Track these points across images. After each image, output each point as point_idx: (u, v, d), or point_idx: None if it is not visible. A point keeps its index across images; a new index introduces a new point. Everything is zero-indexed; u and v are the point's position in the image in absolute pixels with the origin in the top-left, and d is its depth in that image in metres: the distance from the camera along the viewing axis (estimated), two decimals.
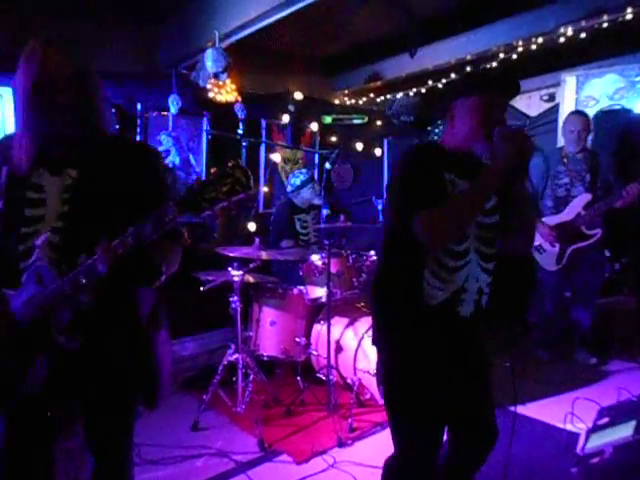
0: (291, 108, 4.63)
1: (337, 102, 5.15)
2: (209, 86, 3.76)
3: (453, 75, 4.51)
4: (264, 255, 3.05)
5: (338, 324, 3.26)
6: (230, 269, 2.98)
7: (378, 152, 5.31)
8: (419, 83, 4.77)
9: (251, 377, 3.05)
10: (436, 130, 5.65)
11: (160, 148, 3.91)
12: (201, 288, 3.01)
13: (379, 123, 5.31)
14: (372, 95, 5.11)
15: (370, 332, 3.02)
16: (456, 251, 1.52)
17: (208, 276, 3.05)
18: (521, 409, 3.12)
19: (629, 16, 3.34)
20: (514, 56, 4.12)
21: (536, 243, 3.51)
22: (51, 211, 1.34)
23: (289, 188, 3.95)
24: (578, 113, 3.64)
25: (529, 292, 3.77)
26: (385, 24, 3.76)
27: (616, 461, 2.29)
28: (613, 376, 3.60)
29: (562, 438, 2.77)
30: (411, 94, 4.91)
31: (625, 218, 3.55)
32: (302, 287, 3.36)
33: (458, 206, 1.46)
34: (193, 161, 4.13)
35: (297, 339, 3.28)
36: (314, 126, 4.83)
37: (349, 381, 3.08)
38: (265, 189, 4.62)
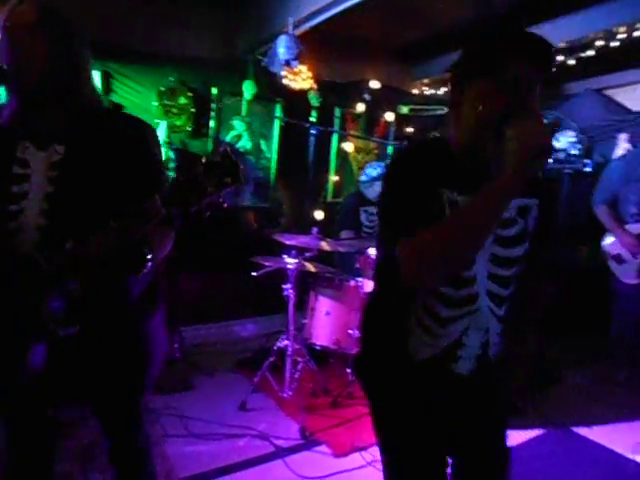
0: (366, 97, 4.54)
1: (415, 92, 4.98)
2: (284, 73, 3.78)
3: None
4: (320, 244, 3.03)
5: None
6: (285, 256, 3.00)
7: None
8: None
9: (300, 364, 3.07)
10: None
11: (232, 132, 4.01)
12: (253, 273, 3.06)
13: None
14: None
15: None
16: (454, 297, 1.16)
17: (264, 261, 3.09)
18: (586, 432, 2.89)
19: None
20: (614, 44, 3.74)
21: (615, 252, 3.18)
22: (36, 189, 1.25)
23: (363, 177, 3.86)
24: None
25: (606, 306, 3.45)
26: (468, 9, 3.54)
27: None
28: None
29: (628, 470, 2.52)
30: None
31: None
32: (359, 279, 3.31)
33: (452, 231, 1.03)
34: (264, 147, 4.19)
35: (350, 331, 3.24)
36: (389, 116, 4.72)
37: None
38: (335, 178, 4.59)
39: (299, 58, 3.34)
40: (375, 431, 1.37)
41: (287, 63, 3.37)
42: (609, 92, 4.87)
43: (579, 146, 4.88)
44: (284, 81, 3.90)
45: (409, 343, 1.20)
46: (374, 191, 3.83)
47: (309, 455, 2.59)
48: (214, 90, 3.86)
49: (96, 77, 3.39)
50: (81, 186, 1.26)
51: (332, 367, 3.56)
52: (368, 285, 3.32)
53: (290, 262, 2.97)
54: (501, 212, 1.04)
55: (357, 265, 3.39)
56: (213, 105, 3.86)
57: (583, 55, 4.00)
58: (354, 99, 4.54)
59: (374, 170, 3.79)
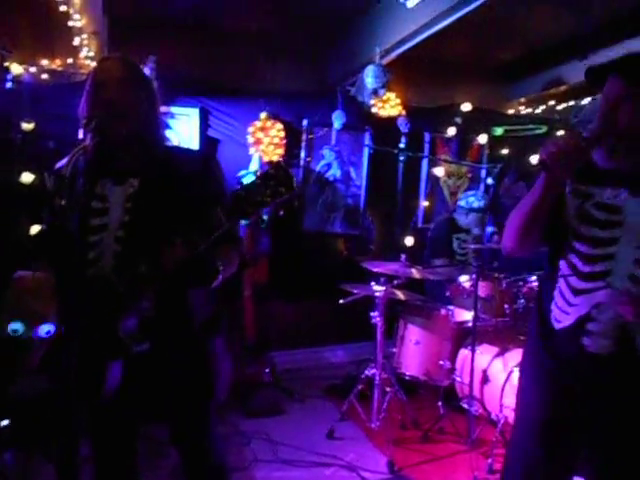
0: (458, 120, 4.44)
1: (511, 112, 4.78)
2: (372, 102, 3.83)
3: None
4: (409, 272, 2.97)
5: (486, 352, 3.01)
6: (373, 284, 2.97)
7: None
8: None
9: (389, 394, 3.00)
10: None
11: (322, 162, 4.10)
12: (340, 301, 3.06)
13: (561, 133, 4.77)
14: (552, 102, 4.62)
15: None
16: (582, 270, 1.33)
17: (353, 288, 3.09)
18: None
19: None
20: None
21: None
22: (114, 220, 1.38)
23: (462, 203, 3.72)
24: None
25: None
26: (563, 23, 3.37)
27: None
28: None
29: None
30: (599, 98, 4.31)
31: None
32: (449, 307, 3.19)
33: (518, 208, 1.38)
34: (354, 174, 4.24)
35: (441, 362, 3.12)
36: (482, 138, 4.56)
37: (494, 417, 2.82)
38: (425, 203, 4.51)
39: (386, 86, 3.36)
40: None
41: (375, 92, 3.41)
42: None
43: None
44: (373, 109, 3.94)
45: (552, 310, 1.39)
46: (467, 220, 3.70)
47: None
48: (305, 121, 3.99)
49: (195, 114, 3.66)
50: (153, 214, 1.38)
51: (422, 399, 3.43)
52: (459, 314, 3.18)
53: (378, 289, 2.93)
54: (537, 201, 1.32)
55: (447, 293, 3.27)
56: (304, 136, 3.99)
57: None
58: (444, 123, 4.46)
59: (477, 201, 3.63)
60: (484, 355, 3.00)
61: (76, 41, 2.90)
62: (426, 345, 3.19)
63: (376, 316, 2.98)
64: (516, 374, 2.72)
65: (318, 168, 4.11)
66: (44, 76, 3.18)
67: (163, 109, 3.54)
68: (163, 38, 3.41)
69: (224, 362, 1.62)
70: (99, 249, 1.37)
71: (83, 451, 2.37)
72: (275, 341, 3.81)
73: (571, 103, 4.57)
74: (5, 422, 1.79)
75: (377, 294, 2.94)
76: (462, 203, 3.71)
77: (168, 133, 3.63)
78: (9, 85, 3.07)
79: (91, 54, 3.03)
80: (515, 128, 4.66)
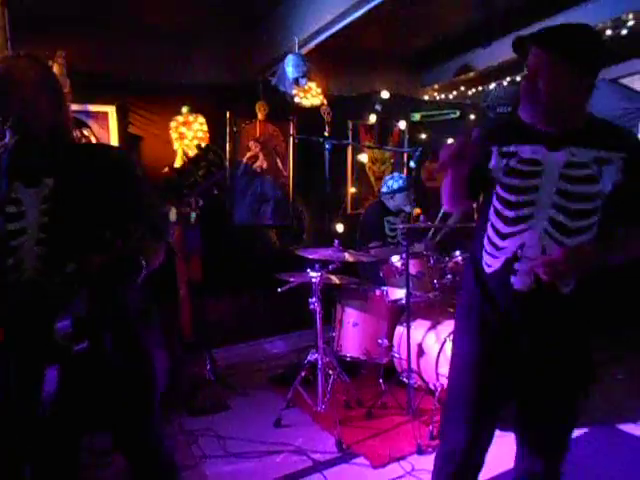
0: (378, 107, 4.58)
1: (426, 98, 5.00)
2: (295, 91, 3.85)
3: None
4: (343, 256, 3.05)
5: (420, 327, 3.17)
6: (309, 270, 3.03)
7: None
8: (515, 71, 4.47)
9: (332, 377, 3.07)
10: None
11: (248, 154, 4.08)
12: (278, 289, 3.09)
13: (473, 117, 5.06)
14: (463, 88, 4.88)
15: (452, 336, 2.90)
16: (507, 215, 1.49)
17: (289, 277, 3.12)
18: (632, 429, 2.81)
19: None
20: (624, 31, 3.70)
21: None
22: (32, 223, 1.35)
23: (384, 189, 3.88)
24: None
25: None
26: (471, 12, 3.56)
27: None
28: None
29: None
30: (505, 83, 4.61)
31: None
32: (383, 288, 3.32)
33: (444, 180, 1.59)
34: (280, 165, 4.25)
35: (379, 341, 3.24)
36: (402, 124, 4.74)
37: (431, 386, 2.98)
38: (353, 190, 4.62)
39: (307, 75, 3.40)
40: None
41: (296, 81, 3.43)
42: (625, 81, 4.81)
43: None
44: (295, 99, 3.97)
45: (483, 257, 1.54)
46: (395, 202, 3.85)
47: (347, 468, 2.59)
48: (227, 114, 3.94)
49: (112, 111, 3.52)
50: (71, 213, 1.36)
51: (364, 378, 3.55)
52: (393, 293, 3.32)
53: (314, 275, 2.99)
54: (453, 180, 1.54)
55: (381, 274, 3.40)
56: (227, 129, 3.95)
57: None
58: (366, 111, 4.58)
59: (395, 182, 3.80)
60: (418, 330, 3.15)
61: None
62: (364, 326, 3.30)
63: (314, 302, 3.03)
64: (448, 344, 2.89)
65: (245, 160, 4.08)
66: None
67: (78, 107, 3.40)
68: (76, 33, 3.23)
69: (159, 358, 1.61)
70: (19, 254, 1.33)
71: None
72: (214, 337, 3.77)
73: (480, 88, 4.85)
74: None
75: (313, 280, 2.99)
76: (384, 189, 3.87)
77: (85, 131, 3.47)
78: None
79: None
80: (431, 113, 4.90)
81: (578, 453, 2.55)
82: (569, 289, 1.43)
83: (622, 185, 1.41)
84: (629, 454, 2.62)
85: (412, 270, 3.04)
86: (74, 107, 3.38)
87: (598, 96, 4.80)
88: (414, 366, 3.03)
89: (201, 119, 3.67)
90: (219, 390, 3.43)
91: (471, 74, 4.51)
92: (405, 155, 4.77)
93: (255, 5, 3.47)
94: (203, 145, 1.29)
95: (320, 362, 3.00)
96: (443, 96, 5.00)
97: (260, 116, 4.00)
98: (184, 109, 3.64)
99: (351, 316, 3.34)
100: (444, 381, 2.87)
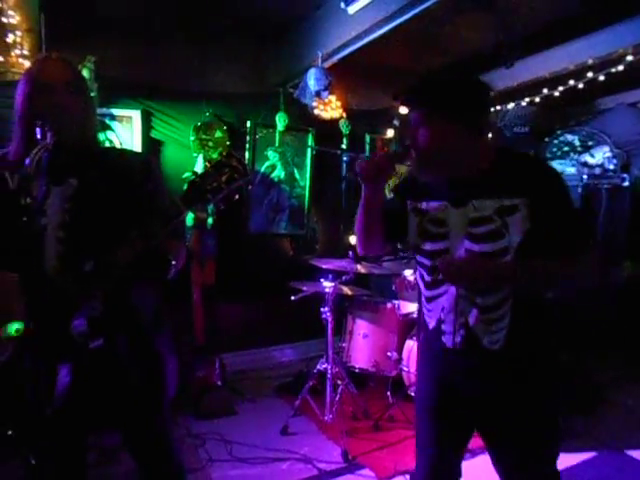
0: (396, 122, 4.64)
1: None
2: (315, 104, 3.92)
3: (572, 82, 4.20)
4: (357, 268, 3.09)
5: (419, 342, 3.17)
6: (322, 280, 3.06)
7: None
8: (533, 92, 4.51)
9: (340, 388, 3.09)
10: (555, 141, 5.29)
11: (266, 163, 4.15)
12: (292, 297, 3.12)
13: (489, 135, 5.08)
14: None
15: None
16: (427, 280, 1.49)
17: (302, 286, 3.16)
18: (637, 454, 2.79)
19: None
20: None
21: None
22: (53, 221, 1.37)
23: None
24: None
25: None
26: (490, 33, 3.61)
27: None
28: None
29: None
30: (523, 104, 4.65)
31: None
32: (395, 301, 3.34)
33: (356, 217, 1.61)
34: (297, 175, 4.31)
35: (389, 354, 3.26)
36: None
37: None
38: None
39: (329, 89, 3.46)
40: None
41: (317, 94, 3.49)
42: None
43: (615, 161, 4.83)
44: (315, 111, 4.03)
45: (424, 314, 1.54)
46: None
47: (352, 478, 2.60)
48: (248, 123, 4.02)
49: (137, 116, 3.60)
50: (94, 213, 1.39)
51: (372, 390, 3.56)
52: (404, 306, 3.34)
53: (327, 285, 3.02)
54: (365, 208, 1.57)
55: (393, 287, 3.42)
56: (248, 137, 4.02)
57: (613, 70, 3.99)
58: (384, 125, 4.64)
59: None
60: None
61: (9, 38, 2.78)
62: (374, 338, 3.32)
63: (326, 311, 3.06)
64: None
65: (262, 169, 4.15)
66: None
67: (104, 111, 3.48)
68: (103, 38, 3.33)
69: (170, 360, 1.63)
70: (41, 251, 1.36)
71: (17, 471, 2.32)
72: (224, 342, 3.80)
73: (497, 108, 4.88)
74: None
75: (327, 290, 3.02)
76: None
77: (110, 135, 3.56)
78: None
79: (25, 52, 2.91)
80: None
81: (585, 477, 2.55)
82: (497, 346, 1.40)
83: (533, 231, 1.32)
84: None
85: None
86: (99, 110, 3.46)
87: (615, 120, 4.83)
88: None
89: (222, 126, 3.74)
90: (227, 395, 3.45)
91: (490, 93, 4.54)
92: None
93: (280, 18, 3.55)
94: (225, 152, 1.32)
95: (329, 372, 3.02)
96: None
97: (280, 126, 4.07)
98: (206, 114, 3.72)
99: (361, 327, 3.36)
100: None
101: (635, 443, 2.89)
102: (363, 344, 3.34)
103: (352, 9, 2.91)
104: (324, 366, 3.07)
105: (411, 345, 3.24)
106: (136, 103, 3.63)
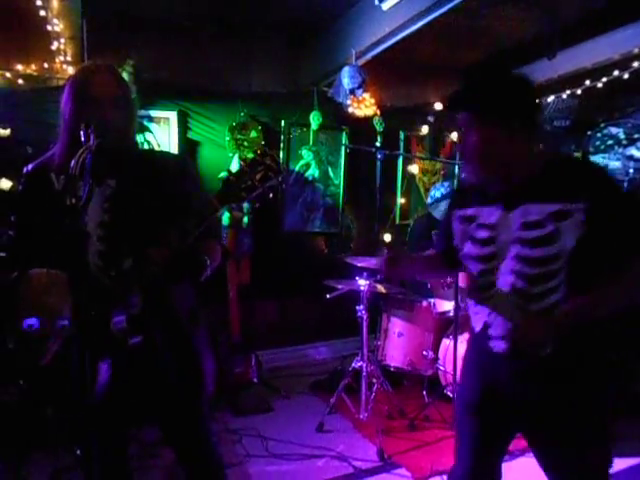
0: (430, 119, 4.58)
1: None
2: (349, 102, 3.91)
3: (617, 72, 4.05)
4: None
5: (467, 341, 3.12)
6: (357, 278, 3.05)
7: None
8: (574, 84, 4.36)
9: (375, 386, 3.08)
10: (598, 134, 5.10)
11: (301, 162, 4.17)
12: (327, 295, 3.13)
13: (538, 139, 4.94)
14: None
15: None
16: (480, 284, 1.48)
17: (337, 284, 3.16)
18: None
19: None
20: None
21: None
22: (93, 220, 1.42)
23: (429, 200, 3.89)
24: None
25: None
26: (529, 24, 3.52)
27: None
28: None
29: None
30: (564, 96, 4.51)
31: None
32: (430, 300, 3.30)
33: None
34: (331, 174, 4.31)
35: (424, 352, 3.23)
36: (454, 136, 4.70)
37: None
38: (402, 200, 4.62)
39: (363, 87, 3.44)
40: None
41: (352, 92, 3.48)
42: None
43: None
44: (349, 109, 4.02)
45: (472, 317, 1.55)
46: (440, 211, 3.82)
47: (388, 478, 2.58)
48: (282, 122, 4.05)
49: (173, 117, 3.68)
50: (132, 212, 1.44)
51: (407, 389, 3.54)
52: (440, 305, 3.29)
53: (362, 284, 3.02)
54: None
55: (429, 285, 3.38)
56: (282, 137, 4.05)
57: None
58: (418, 122, 4.59)
59: (437, 191, 3.79)
60: (465, 344, 3.11)
61: (54, 45, 2.89)
62: (409, 336, 3.29)
63: (361, 309, 3.06)
64: None
65: (297, 168, 4.17)
66: (19, 81, 3.15)
67: (142, 112, 3.58)
68: (140, 42, 3.42)
69: (207, 357, 1.66)
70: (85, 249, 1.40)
71: (64, 460, 2.40)
72: (260, 340, 3.85)
73: (537, 100, 4.75)
74: None
75: (362, 288, 3.02)
76: (428, 200, 3.88)
77: (147, 136, 3.65)
78: None
79: (69, 59, 3.02)
80: None
81: None
82: (546, 352, 1.34)
83: (588, 237, 1.28)
84: None
85: (462, 283, 3.00)
86: (137, 112, 3.56)
87: None
88: (459, 380, 2.99)
89: (257, 126, 3.78)
90: (263, 392, 3.50)
91: None
92: (457, 167, 4.72)
93: (314, 17, 3.56)
94: (260, 151, 1.34)
95: (364, 370, 3.02)
96: None
97: (314, 125, 4.08)
98: (241, 114, 3.77)
99: (396, 326, 3.34)
100: None
101: None
102: (398, 343, 3.32)
103: (386, 5, 2.88)
104: (359, 364, 3.07)
105: (447, 344, 3.19)
106: (173, 104, 3.71)
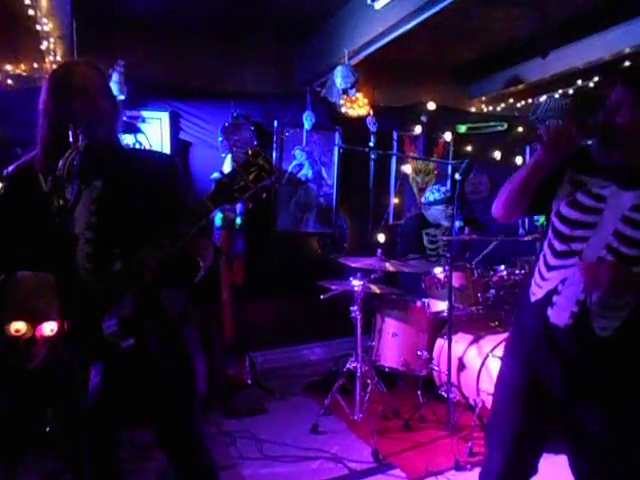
0: (423, 119, 4.57)
1: (473, 110, 4.95)
2: (342, 101, 3.90)
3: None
4: (385, 266, 3.06)
5: (461, 341, 3.13)
6: (351, 279, 3.04)
7: (519, 160, 4.96)
8: (566, 84, 4.38)
9: (370, 387, 3.07)
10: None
11: (294, 162, 4.15)
12: (321, 296, 3.12)
13: (520, 130, 4.97)
14: (512, 100, 4.81)
15: (495, 351, 2.85)
16: (557, 249, 1.45)
17: (331, 285, 3.15)
18: None
19: None
20: None
21: None
22: (81, 221, 1.39)
23: (423, 199, 3.91)
24: None
25: None
26: (522, 24, 3.52)
27: None
28: None
29: None
30: (556, 96, 4.52)
31: None
32: (425, 300, 3.29)
33: (511, 179, 1.56)
34: (325, 174, 4.30)
35: (419, 352, 3.22)
36: (447, 136, 4.71)
37: (471, 402, 2.93)
38: (395, 200, 4.62)
39: (356, 86, 3.43)
40: None
41: (345, 92, 3.47)
42: None
43: None
44: (342, 109, 4.02)
45: (531, 285, 1.52)
46: (432, 214, 3.83)
47: (383, 479, 2.57)
48: (275, 122, 4.03)
49: (165, 117, 3.65)
50: (120, 214, 1.41)
51: (402, 390, 3.53)
52: (434, 305, 3.29)
53: (356, 284, 3.00)
54: (528, 174, 1.49)
55: (423, 285, 3.38)
56: (275, 137, 4.03)
57: None
58: (411, 121, 4.58)
59: (432, 195, 3.79)
60: (459, 343, 3.11)
61: (43, 45, 2.85)
62: (403, 337, 3.28)
63: (355, 310, 3.05)
64: (490, 360, 2.85)
65: (290, 169, 4.15)
66: (9, 81, 3.11)
67: (133, 113, 3.55)
68: (131, 41, 3.39)
69: (198, 359, 1.65)
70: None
71: (53, 465, 2.38)
72: (254, 341, 3.82)
73: (530, 100, 4.77)
74: None
75: (356, 289, 3.01)
76: (423, 200, 3.89)
77: (139, 136, 3.61)
78: None
79: (58, 58, 2.98)
80: (478, 125, 4.85)
81: None
82: (607, 333, 1.34)
83: None
84: None
85: (455, 283, 3.00)
86: (129, 113, 3.53)
87: None
88: (454, 380, 2.99)
89: (250, 126, 3.76)
90: (257, 393, 3.48)
91: (521, 86, 4.44)
92: (449, 167, 4.73)
93: (306, 17, 3.54)
94: (251, 151, 1.32)
95: (359, 371, 3.01)
96: (491, 108, 4.93)
97: (307, 125, 4.06)
98: (233, 114, 3.75)
99: (391, 326, 3.33)
100: (485, 397, 2.82)
101: None
102: (392, 343, 3.31)
103: (378, 4, 2.87)
104: (353, 365, 3.06)
105: (442, 344, 3.19)
106: (164, 105, 3.68)
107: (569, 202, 1.46)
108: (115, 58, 3.20)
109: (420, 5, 2.70)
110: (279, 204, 4.15)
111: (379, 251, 3.13)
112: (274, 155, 4.03)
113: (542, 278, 1.48)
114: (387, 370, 3.31)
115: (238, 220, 3.71)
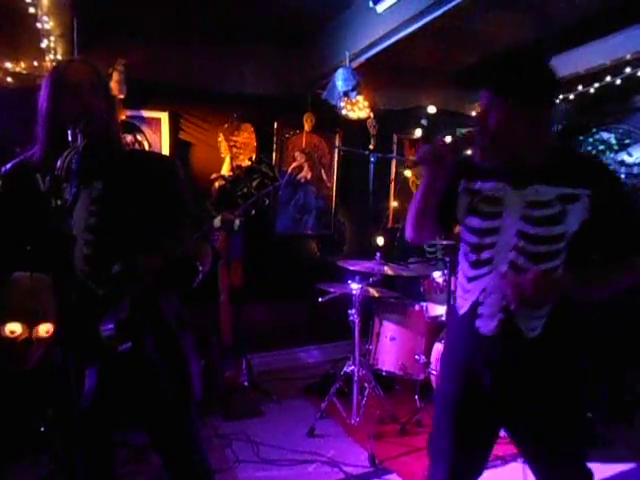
0: (424, 122, 4.57)
1: (473, 114, 4.94)
2: (342, 104, 3.89)
3: (608, 78, 4.07)
4: (384, 269, 3.05)
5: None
6: (350, 282, 3.03)
7: None
8: (567, 89, 4.38)
9: (367, 390, 3.06)
10: (589, 140, 5.12)
11: (294, 164, 4.14)
12: (319, 299, 3.11)
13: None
14: None
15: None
16: (471, 259, 1.48)
17: (329, 288, 3.14)
18: None
19: None
20: None
21: None
22: (79, 223, 1.37)
23: None
24: None
25: None
26: (523, 29, 3.52)
27: None
28: None
29: None
30: (557, 101, 4.52)
31: None
32: (423, 304, 3.28)
33: (412, 200, 1.57)
34: (325, 176, 4.29)
35: (416, 357, 3.21)
36: (447, 140, 4.69)
37: None
38: (394, 204, 4.61)
39: (357, 89, 3.43)
40: None
41: (346, 94, 3.47)
42: None
43: None
44: (342, 112, 4.01)
45: (457, 299, 1.54)
46: None
47: None
48: (275, 124, 4.02)
49: (165, 118, 3.64)
50: (119, 215, 1.41)
51: (399, 393, 3.51)
52: (433, 309, 3.28)
53: (354, 287, 3.00)
54: (424, 193, 1.51)
55: (421, 289, 3.37)
56: (275, 138, 4.02)
57: None
58: (412, 125, 4.58)
59: None
60: None
61: (44, 43, 2.84)
62: (401, 341, 3.27)
63: (353, 313, 3.04)
64: None
65: (289, 171, 4.14)
66: (8, 79, 3.10)
67: (133, 112, 3.53)
68: (132, 42, 3.38)
69: (193, 362, 1.64)
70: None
71: (46, 468, 2.36)
72: (251, 343, 3.81)
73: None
74: None
75: (354, 292, 3.00)
76: None
77: (139, 136, 3.60)
78: None
79: (59, 57, 2.97)
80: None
81: None
82: (535, 334, 1.38)
83: (590, 223, 1.35)
84: None
85: (454, 286, 2.99)
86: (129, 112, 3.52)
87: None
88: None
89: (250, 128, 3.75)
90: (254, 396, 3.46)
91: None
92: None
93: (308, 19, 3.54)
94: (254, 157, 1.33)
95: (356, 374, 3.00)
96: None
97: (307, 127, 4.06)
98: (234, 115, 3.74)
99: (389, 330, 3.32)
100: None
101: None
102: (390, 347, 3.30)
103: (380, 7, 2.87)
104: (351, 368, 3.05)
105: (440, 348, 3.17)
106: (164, 105, 3.67)
107: (470, 210, 1.49)
108: (115, 58, 3.20)
109: (422, 9, 2.70)
110: (278, 206, 4.14)
111: (378, 254, 3.12)
112: (273, 157, 4.02)
113: (464, 290, 1.50)
114: (384, 374, 3.30)
115: (237, 222, 3.69)
